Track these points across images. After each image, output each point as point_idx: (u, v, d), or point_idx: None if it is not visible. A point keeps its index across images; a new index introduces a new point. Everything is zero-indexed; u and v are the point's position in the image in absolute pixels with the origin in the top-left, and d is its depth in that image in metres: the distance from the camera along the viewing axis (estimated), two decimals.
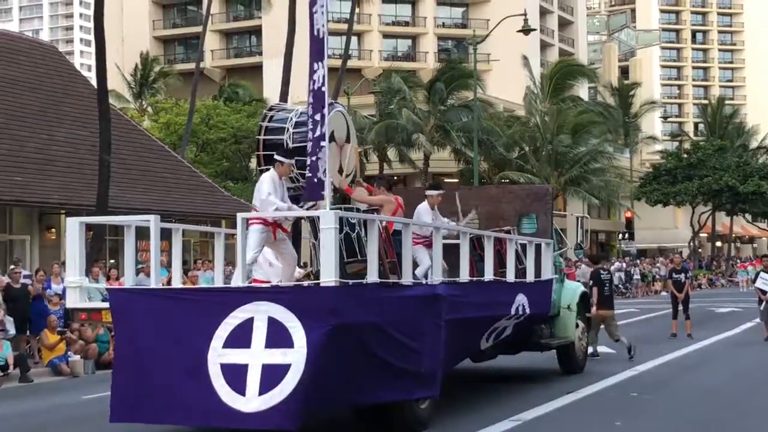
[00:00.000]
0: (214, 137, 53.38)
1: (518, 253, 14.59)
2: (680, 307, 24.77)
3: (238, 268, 10.17)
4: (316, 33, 10.25)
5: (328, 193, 10.28)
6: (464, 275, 12.44)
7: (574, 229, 17.73)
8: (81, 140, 34.20)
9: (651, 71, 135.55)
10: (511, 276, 13.84)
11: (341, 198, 13.69)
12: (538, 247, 15.00)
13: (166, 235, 11.45)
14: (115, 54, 66.74)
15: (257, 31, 79.03)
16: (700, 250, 78.74)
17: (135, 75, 60.95)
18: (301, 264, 14.34)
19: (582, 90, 74.99)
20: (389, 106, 55.50)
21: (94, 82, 31.82)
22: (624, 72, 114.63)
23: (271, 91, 58.80)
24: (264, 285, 10.42)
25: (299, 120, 13.18)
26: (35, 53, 37.75)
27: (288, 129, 13.06)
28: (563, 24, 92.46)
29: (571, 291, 16.94)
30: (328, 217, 9.56)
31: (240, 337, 9.63)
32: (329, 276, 9.47)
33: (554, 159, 58.06)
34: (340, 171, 13.20)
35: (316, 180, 10.16)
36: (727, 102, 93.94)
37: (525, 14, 40.38)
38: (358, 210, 11.47)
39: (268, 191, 10.79)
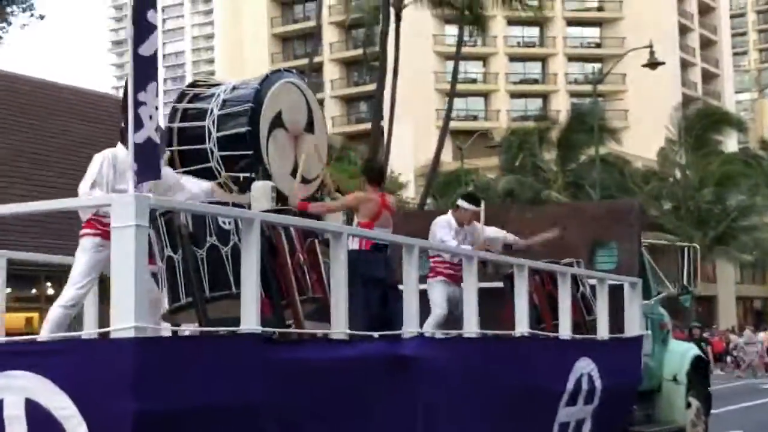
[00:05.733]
0: None
1: (585, 298, 9.78)
2: None
3: None
4: None
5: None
6: (471, 327, 7.65)
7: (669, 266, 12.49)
8: None
9: None
10: (566, 329, 8.97)
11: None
12: (616, 289, 10.05)
13: None
14: None
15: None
16: None
17: None
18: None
19: (730, 147, 68.59)
20: (514, 164, 51.56)
21: None
22: None
23: (394, 158, 54.66)
24: (16, 339, 5.85)
25: (230, 96, 8.82)
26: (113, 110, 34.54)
27: (212, 111, 8.68)
28: (708, 77, 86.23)
29: (679, 355, 11.86)
30: (122, 206, 5.01)
31: None
32: (124, 318, 4.92)
33: (697, 216, 52.15)
34: (294, 173, 8.72)
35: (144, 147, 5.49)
36: None
37: (651, 46, 35.24)
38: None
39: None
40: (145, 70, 5.26)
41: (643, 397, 11.13)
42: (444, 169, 52.12)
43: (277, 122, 8.63)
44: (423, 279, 8.67)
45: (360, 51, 75.69)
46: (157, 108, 5.32)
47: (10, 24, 26.45)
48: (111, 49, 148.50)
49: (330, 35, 78.11)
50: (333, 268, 6.28)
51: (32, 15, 26.23)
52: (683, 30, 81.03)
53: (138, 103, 5.28)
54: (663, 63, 35.60)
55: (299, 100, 8.90)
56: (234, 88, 8.85)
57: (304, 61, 79.46)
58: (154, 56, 5.28)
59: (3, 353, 5.24)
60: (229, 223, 5.99)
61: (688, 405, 11.73)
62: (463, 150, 46.31)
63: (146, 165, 5.27)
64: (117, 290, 4.98)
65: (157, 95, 5.33)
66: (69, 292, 6.36)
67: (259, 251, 5.62)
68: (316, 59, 77.94)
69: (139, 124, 5.39)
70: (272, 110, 8.58)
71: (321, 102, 67.86)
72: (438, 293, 9.44)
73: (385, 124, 71.94)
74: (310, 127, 9.00)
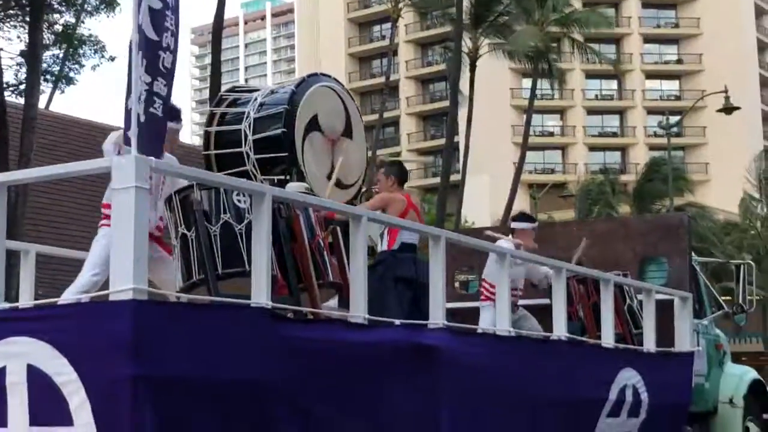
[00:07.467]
0: None
1: (633, 311, 9.55)
2: None
3: None
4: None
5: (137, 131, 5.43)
6: (503, 324, 7.48)
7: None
8: None
9: None
10: (608, 337, 8.73)
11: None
12: (667, 305, 9.77)
13: None
14: None
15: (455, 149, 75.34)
16: None
17: None
18: None
19: None
20: (590, 216, 51.16)
21: None
22: None
23: (469, 209, 54.38)
24: (16, 305, 5.79)
25: (266, 100, 8.79)
26: None
27: (248, 114, 8.65)
28: None
29: (736, 378, 11.51)
30: (122, 168, 4.96)
31: None
32: (122, 281, 4.87)
33: None
34: (330, 177, 8.65)
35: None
36: None
37: (726, 91, 34.72)
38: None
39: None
40: (154, 53, 5.19)
41: (698, 419, 10.80)
42: None
43: (314, 125, 8.59)
44: None
45: (436, 104, 76.12)
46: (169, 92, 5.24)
47: (82, 66, 26.94)
48: (195, 108, 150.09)
49: (407, 89, 78.51)
50: (352, 252, 6.17)
51: (103, 56, 26.68)
52: (764, 82, 79.92)
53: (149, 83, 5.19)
54: (738, 108, 34.93)
55: (337, 105, 8.86)
56: (272, 92, 8.85)
57: (384, 115, 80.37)
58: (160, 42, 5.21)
59: (4, 320, 5.21)
60: (245, 202, 5.93)
61: (747, 429, 11.36)
62: (536, 200, 46.03)
63: (151, 139, 5.19)
64: (116, 253, 4.93)
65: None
66: (83, 279, 6.34)
67: (269, 225, 5.53)
68: (393, 113, 78.63)
69: (150, 100, 5.31)
70: (308, 113, 8.55)
71: (398, 154, 67.70)
72: (486, 317, 9.27)
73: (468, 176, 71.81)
74: (348, 132, 8.95)
